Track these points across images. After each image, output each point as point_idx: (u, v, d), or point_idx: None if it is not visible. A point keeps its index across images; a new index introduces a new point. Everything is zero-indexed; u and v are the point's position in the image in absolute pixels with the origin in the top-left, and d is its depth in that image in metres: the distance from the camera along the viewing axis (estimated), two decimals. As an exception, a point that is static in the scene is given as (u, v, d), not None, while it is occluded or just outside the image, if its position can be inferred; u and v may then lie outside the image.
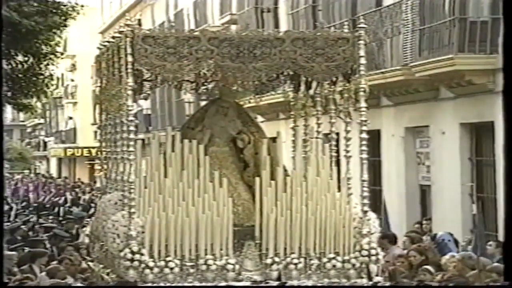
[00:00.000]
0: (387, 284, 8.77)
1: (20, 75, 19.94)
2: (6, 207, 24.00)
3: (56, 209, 23.49)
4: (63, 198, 26.45)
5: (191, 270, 8.00)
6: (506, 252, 7.17)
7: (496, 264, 9.86)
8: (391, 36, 16.15)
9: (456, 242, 12.01)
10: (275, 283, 7.93)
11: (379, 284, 8.28)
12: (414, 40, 15.39)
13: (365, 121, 8.27)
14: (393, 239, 12.03)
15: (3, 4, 16.11)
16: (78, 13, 20.26)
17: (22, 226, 17.61)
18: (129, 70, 8.02)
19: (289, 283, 8.01)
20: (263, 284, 7.87)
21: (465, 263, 9.74)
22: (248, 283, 8.03)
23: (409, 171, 16.67)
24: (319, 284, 8.08)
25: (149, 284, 7.88)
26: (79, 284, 9.71)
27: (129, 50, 8.01)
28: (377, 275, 8.37)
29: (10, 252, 12.09)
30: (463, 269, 9.60)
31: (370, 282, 8.22)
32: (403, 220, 16.03)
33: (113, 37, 8.63)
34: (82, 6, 20.61)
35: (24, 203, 26.59)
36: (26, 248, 13.62)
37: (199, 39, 8.13)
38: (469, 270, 9.53)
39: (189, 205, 8.06)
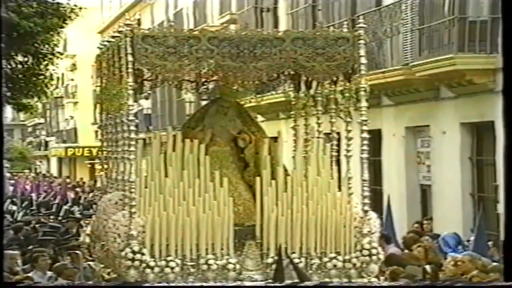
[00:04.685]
0: (389, 283, 8.76)
1: (19, 75, 19.96)
2: (14, 207, 24.03)
3: (57, 208, 23.49)
4: (59, 197, 26.42)
5: (192, 270, 8.00)
6: (506, 252, 7.14)
7: (496, 263, 9.85)
8: (390, 36, 16.16)
9: (460, 242, 12.01)
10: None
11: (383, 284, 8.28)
12: (413, 40, 15.39)
13: (366, 120, 8.27)
14: (388, 239, 12.07)
15: (2, 5, 16.11)
16: (77, 15, 20.29)
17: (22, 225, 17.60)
18: (130, 70, 8.02)
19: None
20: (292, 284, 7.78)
21: (476, 263, 9.72)
22: (249, 283, 8.02)
23: (409, 171, 16.67)
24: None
25: (154, 284, 7.86)
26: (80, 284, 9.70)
27: (129, 50, 8.00)
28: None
29: (13, 252, 12.08)
30: (470, 269, 9.58)
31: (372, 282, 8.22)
32: (403, 219, 16.04)
33: (113, 37, 8.63)
34: (81, 8, 20.62)
35: (24, 203, 26.56)
36: (29, 247, 13.61)
37: (199, 39, 8.12)
38: (475, 270, 9.52)
39: (190, 205, 8.06)
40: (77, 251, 11.43)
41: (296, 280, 7.76)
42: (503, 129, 6.98)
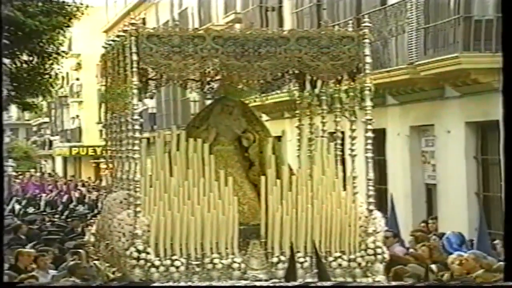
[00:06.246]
0: (391, 283, 8.76)
1: (25, 75, 19.99)
2: (17, 207, 24.07)
3: (62, 208, 23.56)
4: (66, 196, 26.48)
5: (197, 269, 8.00)
6: (506, 251, 7.10)
7: (501, 263, 9.83)
8: (395, 35, 16.14)
9: (464, 242, 12.00)
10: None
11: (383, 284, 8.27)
12: (419, 39, 15.37)
13: (371, 120, 8.26)
14: (395, 238, 12.07)
15: (6, 4, 16.13)
16: (82, 13, 20.30)
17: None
18: (134, 69, 8.02)
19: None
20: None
21: (480, 262, 9.71)
22: (254, 283, 8.02)
23: (414, 170, 16.65)
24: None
25: (159, 284, 7.86)
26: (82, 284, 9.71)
27: (134, 49, 8.01)
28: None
29: (29, 250, 12.08)
30: (473, 268, 9.57)
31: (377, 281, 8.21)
32: (409, 219, 16.03)
33: (118, 36, 8.64)
34: (87, 6, 20.64)
35: (29, 202, 26.62)
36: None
37: (204, 38, 8.13)
38: (479, 269, 9.51)
39: (195, 204, 8.06)
40: (80, 250, 11.44)
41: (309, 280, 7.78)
42: (502, 128, 6.97)
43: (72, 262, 11.00)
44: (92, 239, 9.82)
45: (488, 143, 14.85)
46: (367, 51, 8.29)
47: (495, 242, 11.73)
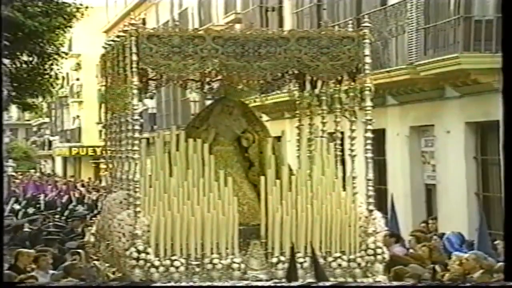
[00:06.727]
0: (391, 283, 8.76)
1: (25, 75, 20.02)
2: (16, 207, 24.07)
3: (62, 208, 23.54)
4: (66, 196, 26.46)
5: (197, 269, 8.00)
6: (507, 251, 7.10)
7: (501, 263, 9.83)
8: (396, 35, 16.16)
9: (464, 242, 12.00)
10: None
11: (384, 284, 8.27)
12: (419, 39, 15.39)
13: (370, 120, 8.26)
14: (398, 238, 12.07)
15: (7, 4, 16.14)
16: (82, 15, 20.33)
17: (26, 224, 17.63)
18: (134, 69, 8.02)
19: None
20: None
21: (480, 262, 9.71)
22: (254, 283, 8.01)
23: (414, 170, 16.67)
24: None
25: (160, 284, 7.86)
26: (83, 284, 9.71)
27: (134, 49, 8.00)
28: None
29: (28, 250, 12.10)
30: (474, 268, 9.57)
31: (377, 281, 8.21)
32: (408, 219, 16.03)
33: (118, 36, 8.64)
34: (87, 7, 20.66)
35: (29, 202, 26.58)
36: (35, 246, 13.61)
37: (204, 38, 8.12)
38: (480, 269, 9.52)
39: (194, 204, 8.06)
40: (79, 250, 11.45)
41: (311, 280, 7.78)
42: (502, 128, 6.97)
43: (68, 262, 11.01)
44: (92, 239, 9.82)
45: (488, 143, 14.86)
46: (367, 51, 8.29)
47: (496, 242, 11.73)
